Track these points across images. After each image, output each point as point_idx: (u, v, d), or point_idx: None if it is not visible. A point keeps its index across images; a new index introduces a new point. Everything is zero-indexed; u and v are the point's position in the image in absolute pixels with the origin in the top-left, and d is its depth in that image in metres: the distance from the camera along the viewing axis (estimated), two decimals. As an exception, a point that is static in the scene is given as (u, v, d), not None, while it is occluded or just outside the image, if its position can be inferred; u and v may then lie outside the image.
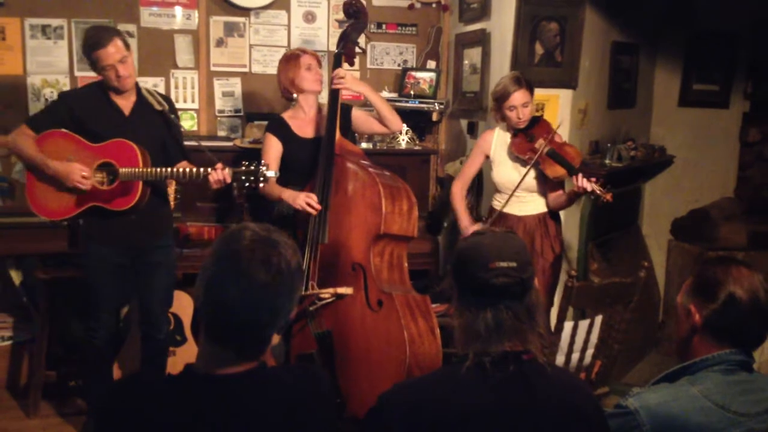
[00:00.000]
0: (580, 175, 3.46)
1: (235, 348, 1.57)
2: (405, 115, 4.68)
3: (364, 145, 4.51)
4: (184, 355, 3.84)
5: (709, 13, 5.09)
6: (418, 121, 4.92)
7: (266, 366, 1.62)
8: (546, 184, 3.70)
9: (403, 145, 4.65)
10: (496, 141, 3.81)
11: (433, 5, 5.06)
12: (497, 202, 3.80)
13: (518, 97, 3.60)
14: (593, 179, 3.46)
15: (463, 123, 4.87)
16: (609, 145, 4.59)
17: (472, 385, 1.70)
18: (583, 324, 3.10)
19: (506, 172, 3.74)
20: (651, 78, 5.35)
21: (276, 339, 1.63)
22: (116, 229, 3.34)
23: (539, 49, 4.24)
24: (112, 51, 3.18)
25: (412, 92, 4.88)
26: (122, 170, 3.20)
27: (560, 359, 3.08)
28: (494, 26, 4.45)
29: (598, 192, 3.42)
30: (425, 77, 4.93)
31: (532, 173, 3.67)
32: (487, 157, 3.85)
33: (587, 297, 3.11)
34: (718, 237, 4.96)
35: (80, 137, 3.28)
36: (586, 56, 4.32)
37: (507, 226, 3.65)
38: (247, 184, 3.09)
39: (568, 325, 3.06)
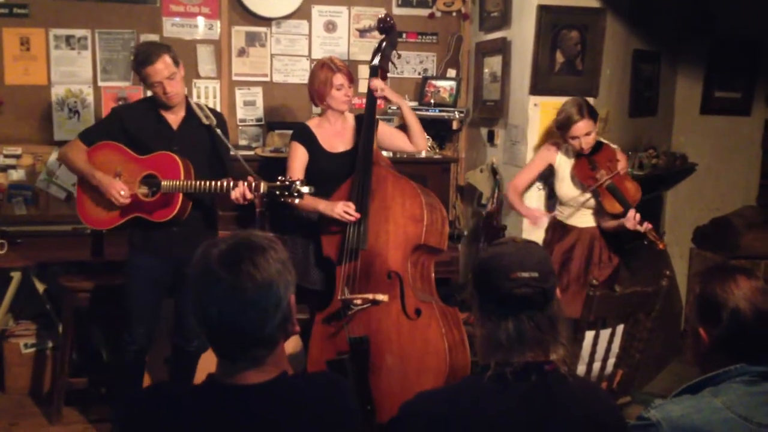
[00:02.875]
0: (633, 213, 3.46)
1: (238, 357, 1.58)
2: (425, 123, 4.65)
3: (383, 153, 4.51)
4: (205, 362, 3.84)
5: (731, 20, 5.07)
6: (439, 130, 4.92)
7: (287, 375, 1.63)
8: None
9: (424, 154, 4.65)
10: (560, 158, 3.87)
11: (454, 14, 5.07)
12: (559, 213, 3.92)
13: (581, 127, 3.60)
14: (649, 224, 3.45)
15: (483, 131, 4.87)
16: (630, 153, 4.57)
17: (493, 396, 1.70)
18: (605, 333, 3.09)
19: (569, 189, 3.82)
20: (672, 86, 5.32)
21: (298, 346, 1.64)
22: (159, 240, 3.39)
23: (560, 58, 4.23)
24: (161, 67, 3.25)
25: (432, 101, 4.88)
26: (164, 182, 3.26)
27: (581, 369, 3.06)
28: (515, 35, 4.45)
29: (651, 238, 3.43)
30: (445, 86, 4.93)
31: (592, 198, 3.72)
32: (551, 165, 3.90)
33: (609, 306, 3.09)
34: (741, 245, 4.92)
35: (129, 150, 3.36)
36: (606, 64, 4.31)
37: (569, 236, 3.78)
38: (282, 200, 3.12)
39: (589, 335, 3.05)
